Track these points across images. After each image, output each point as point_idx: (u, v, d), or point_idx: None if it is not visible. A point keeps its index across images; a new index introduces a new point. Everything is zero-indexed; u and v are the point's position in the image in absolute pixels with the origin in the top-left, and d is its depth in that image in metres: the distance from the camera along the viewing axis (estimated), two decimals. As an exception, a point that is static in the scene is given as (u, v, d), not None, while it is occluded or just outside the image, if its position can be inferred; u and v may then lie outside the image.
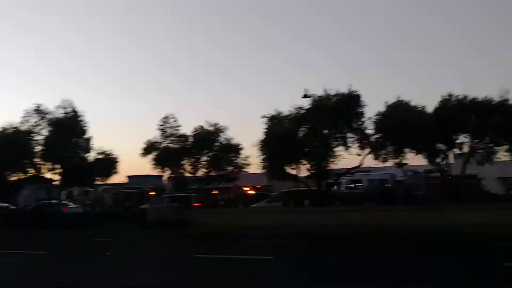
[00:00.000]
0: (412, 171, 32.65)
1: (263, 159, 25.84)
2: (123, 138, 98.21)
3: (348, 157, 26.31)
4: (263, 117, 26.10)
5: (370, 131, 25.72)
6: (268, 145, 25.29)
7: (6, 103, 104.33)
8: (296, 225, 22.22)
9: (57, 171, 31.14)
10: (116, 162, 31.31)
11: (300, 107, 25.69)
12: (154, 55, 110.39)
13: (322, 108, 25.16)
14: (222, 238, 20.37)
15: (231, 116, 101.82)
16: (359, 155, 25.93)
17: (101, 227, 26.50)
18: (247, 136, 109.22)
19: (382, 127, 25.27)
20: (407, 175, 35.39)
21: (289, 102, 46.68)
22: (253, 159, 29.14)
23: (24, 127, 30.35)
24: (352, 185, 31.77)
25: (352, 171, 28.83)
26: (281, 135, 24.72)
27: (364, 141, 25.81)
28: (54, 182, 32.33)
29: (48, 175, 31.59)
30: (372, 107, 26.84)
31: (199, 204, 30.35)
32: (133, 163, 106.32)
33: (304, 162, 26.56)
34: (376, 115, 25.44)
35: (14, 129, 30.26)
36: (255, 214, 25.56)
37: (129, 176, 54.14)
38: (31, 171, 31.17)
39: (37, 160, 30.91)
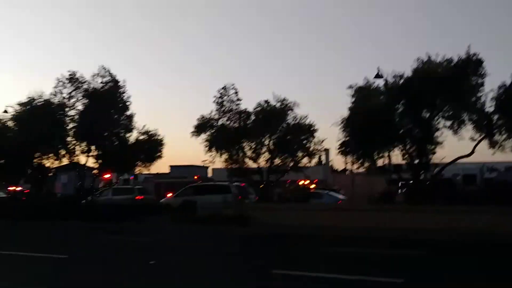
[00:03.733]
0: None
1: (345, 143, 20.13)
2: (165, 121, 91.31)
3: (458, 142, 20.35)
4: (350, 87, 20.42)
5: (489, 109, 19.71)
6: (354, 124, 19.47)
7: (39, 71, 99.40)
8: (385, 228, 16.45)
9: (93, 153, 26.38)
10: (161, 144, 26.28)
11: (400, 75, 19.76)
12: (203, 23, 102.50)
13: (427, 77, 19.20)
14: (296, 243, 14.82)
15: (303, 91, 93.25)
16: (474, 140, 19.93)
17: (141, 221, 21.53)
18: (322, 116, 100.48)
19: (507, 104, 19.23)
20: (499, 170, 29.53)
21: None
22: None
23: (55, 99, 25.69)
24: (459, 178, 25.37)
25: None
26: (374, 111, 18.89)
27: (481, 122, 19.78)
28: (94, 171, 27.51)
29: (83, 159, 26.83)
30: (493, 78, 20.35)
31: (257, 198, 24.99)
32: (175, 152, 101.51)
33: (397, 147, 20.71)
34: (500, 88, 19.39)
35: (44, 101, 25.57)
36: (328, 212, 19.75)
37: (171, 166, 49.85)
38: (63, 152, 26.47)
39: (70, 139, 26.24)
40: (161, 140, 26.15)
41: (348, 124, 20.24)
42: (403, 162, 21.04)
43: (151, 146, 26.07)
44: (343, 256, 11.60)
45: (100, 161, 26.80)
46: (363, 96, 20.24)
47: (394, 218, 16.68)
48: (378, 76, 20.39)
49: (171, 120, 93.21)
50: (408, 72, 19.99)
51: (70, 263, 10.55)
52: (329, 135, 60.58)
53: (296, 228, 17.75)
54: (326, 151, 24.19)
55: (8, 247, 12.77)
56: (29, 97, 25.37)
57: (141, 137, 26.22)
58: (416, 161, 20.26)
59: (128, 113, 26.25)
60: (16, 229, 19.96)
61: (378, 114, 19.03)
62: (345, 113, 20.64)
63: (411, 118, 20.05)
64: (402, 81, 19.92)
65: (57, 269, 9.75)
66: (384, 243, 13.82)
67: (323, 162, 47.89)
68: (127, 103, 26.08)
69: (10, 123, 27.43)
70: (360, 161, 20.86)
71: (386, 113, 19.42)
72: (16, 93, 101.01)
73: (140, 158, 26.38)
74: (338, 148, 21.17)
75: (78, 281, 8.36)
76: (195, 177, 38.40)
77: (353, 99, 20.46)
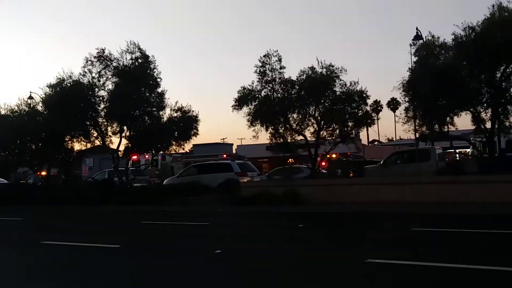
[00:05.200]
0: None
1: (409, 108, 18.47)
2: (200, 96, 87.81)
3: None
4: (414, 44, 18.66)
5: None
6: (420, 86, 17.66)
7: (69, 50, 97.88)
8: (459, 202, 15.01)
9: (124, 134, 25.31)
10: (196, 121, 25.01)
11: (471, 27, 17.79)
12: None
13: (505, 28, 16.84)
14: (372, 222, 13.46)
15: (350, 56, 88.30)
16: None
17: (184, 203, 20.46)
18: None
19: None
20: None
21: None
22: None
23: (85, 80, 24.52)
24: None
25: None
26: (441, 70, 17.06)
27: None
28: (120, 151, 26.40)
29: (115, 140, 25.78)
30: None
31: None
32: (212, 128, 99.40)
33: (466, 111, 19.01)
34: None
35: (73, 82, 24.43)
36: (388, 186, 18.27)
37: (195, 145, 48.66)
38: (95, 134, 25.46)
39: (101, 120, 25.18)
40: (196, 117, 24.89)
41: (411, 87, 18.50)
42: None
43: (186, 123, 24.81)
44: (450, 238, 10.08)
45: (130, 142, 25.73)
46: (428, 53, 18.40)
47: (467, 191, 15.18)
48: (418, 37, 18.89)
49: (207, 95, 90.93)
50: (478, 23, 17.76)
51: (125, 253, 9.43)
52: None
53: (354, 205, 16.50)
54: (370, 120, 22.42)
55: (52, 236, 11.73)
56: (59, 78, 24.26)
57: (175, 115, 24.96)
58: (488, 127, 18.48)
59: (159, 90, 25.07)
60: (57, 216, 19.12)
61: (447, 73, 17.15)
62: (403, 75, 18.93)
63: (484, 77, 18.10)
64: (473, 34, 17.82)
65: (112, 262, 8.61)
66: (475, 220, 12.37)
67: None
68: (158, 80, 24.87)
69: (40, 107, 26.62)
70: (426, 127, 19.20)
71: (455, 72, 17.49)
72: (48, 75, 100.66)
73: (174, 137, 25.17)
74: (405, 114, 19.66)
75: (142, 276, 7.13)
76: (224, 155, 37.28)
77: (416, 58, 18.68)
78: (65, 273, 7.60)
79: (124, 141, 25.60)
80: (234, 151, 48.75)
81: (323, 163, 26.53)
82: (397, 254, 7.99)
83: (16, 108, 26.83)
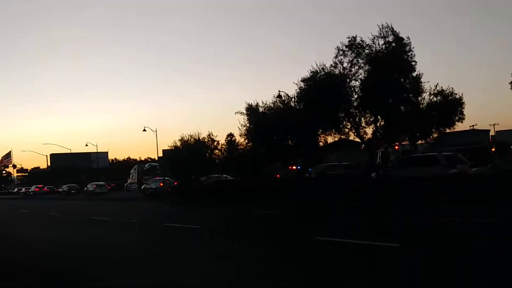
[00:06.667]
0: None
1: None
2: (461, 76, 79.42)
3: None
4: None
5: None
6: None
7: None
8: None
9: (379, 124, 24.11)
10: (461, 104, 22.26)
11: None
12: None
13: None
14: None
15: None
16: None
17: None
18: None
19: None
20: None
21: None
22: None
23: (336, 71, 24.18)
24: None
25: None
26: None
27: None
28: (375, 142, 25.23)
29: (368, 130, 24.83)
30: None
31: None
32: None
33: None
34: None
35: (325, 73, 24.34)
36: None
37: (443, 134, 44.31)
38: (347, 125, 24.96)
39: (353, 111, 24.53)
40: (459, 99, 22.12)
41: None
42: None
43: (447, 107, 22.28)
44: None
45: (383, 131, 24.35)
46: None
47: None
48: None
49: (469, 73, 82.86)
50: None
51: (406, 254, 7.76)
52: None
53: None
54: None
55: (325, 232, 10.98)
56: (312, 72, 24.46)
57: (434, 99, 22.66)
58: None
59: (414, 74, 23.14)
60: (317, 210, 18.83)
61: None
62: None
63: None
64: None
65: (400, 264, 6.99)
66: None
67: None
68: (413, 63, 22.96)
69: (293, 103, 27.43)
70: None
71: None
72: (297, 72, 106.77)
73: (435, 122, 22.90)
74: None
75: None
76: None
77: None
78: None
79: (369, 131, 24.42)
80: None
81: None
82: None
83: (272, 105, 28.18)
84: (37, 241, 12.79)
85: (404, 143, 26.32)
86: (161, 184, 37.24)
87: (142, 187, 43.31)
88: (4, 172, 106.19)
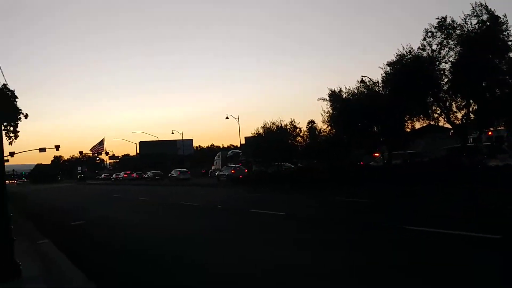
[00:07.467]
0: None
1: None
2: None
3: None
4: None
5: None
6: None
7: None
8: None
9: (471, 108, 22.88)
10: None
11: None
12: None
13: None
14: None
15: None
16: None
17: None
18: None
19: None
20: None
21: None
22: None
23: (424, 53, 23.20)
24: None
25: None
26: None
27: None
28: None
29: (459, 115, 23.65)
30: None
31: None
32: None
33: None
34: None
35: (412, 56, 23.41)
36: None
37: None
38: (437, 110, 23.93)
39: (443, 95, 23.46)
40: None
41: None
42: None
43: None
44: None
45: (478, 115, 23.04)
46: None
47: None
48: None
49: None
50: None
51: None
52: None
53: None
54: None
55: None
56: (398, 55, 23.64)
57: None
58: None
59: (511, 54, 21.61)
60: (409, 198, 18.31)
61: None
62: None
63: None
64: None
65: None
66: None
67: None
68: (510, 43, 21.42)
69: (377, 88, 26.80)
70: None
71: None
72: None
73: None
74: None
75: None
76: None
77: None
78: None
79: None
80: None
81: None
82: None
83: (356, 91, 27.70)
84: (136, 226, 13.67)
85: (499, 128, 24.77)
86: (233, 171, 38.54)
87: (216, 173, 44.68)
88: (97, 158, 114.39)
